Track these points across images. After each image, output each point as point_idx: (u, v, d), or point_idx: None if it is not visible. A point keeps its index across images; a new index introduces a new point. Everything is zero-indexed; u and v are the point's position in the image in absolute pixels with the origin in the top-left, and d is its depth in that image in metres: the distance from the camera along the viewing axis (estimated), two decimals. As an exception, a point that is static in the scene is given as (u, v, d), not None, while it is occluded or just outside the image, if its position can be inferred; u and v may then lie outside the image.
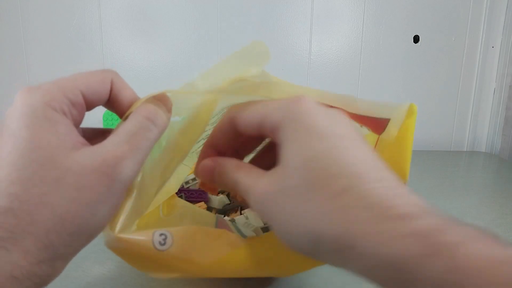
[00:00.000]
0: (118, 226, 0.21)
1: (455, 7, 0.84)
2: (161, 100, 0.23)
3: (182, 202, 0.36)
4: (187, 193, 0.42)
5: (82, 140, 0.20)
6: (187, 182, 0.43)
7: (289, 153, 0.20)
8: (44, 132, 0.19)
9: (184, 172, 0.41)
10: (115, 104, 0.23)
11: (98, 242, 0.34)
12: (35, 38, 0.83)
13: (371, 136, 0.28)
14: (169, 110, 0.23)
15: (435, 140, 0.90)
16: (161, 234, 0.22)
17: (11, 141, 0.18)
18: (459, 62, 0.86)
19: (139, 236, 0.22)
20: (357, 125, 0.26)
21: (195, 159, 0.47)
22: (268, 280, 0.31)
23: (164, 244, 0.22)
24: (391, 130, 0.26)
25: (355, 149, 0.20)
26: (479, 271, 0.14)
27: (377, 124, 0.27)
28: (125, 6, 0.83)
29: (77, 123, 0.21)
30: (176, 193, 0.39)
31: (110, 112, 0.62)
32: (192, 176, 0.44)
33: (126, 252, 0.22)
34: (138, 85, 0.24)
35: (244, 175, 0.22)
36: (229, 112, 0.25)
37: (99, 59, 0.84)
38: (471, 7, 0.84)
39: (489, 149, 0.89)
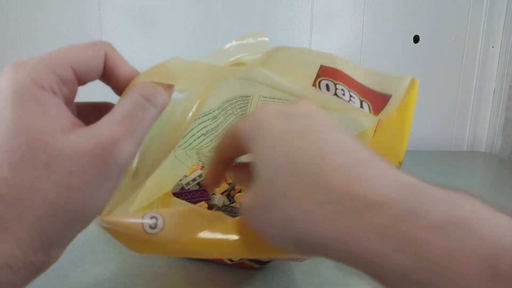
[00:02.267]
0: (106, 209, 0.20)
1: (455, 7, 0.84)
2: (161, 75, 0.22)
3: (178, 200, 0.36)
4: (188, 195, 0.41)
5: (74, 120, 0.19)
6: (187, 184, 0.43)
7: (257, 165, 0.21)
8: (33, 113, 0.17)
9: (182, 170, 0.41)
10: (111, 79, 0.21)
11: (98, 242, 0.34)
12: (35, 38, 0.83)
13: (368, 130, 0.28)
14: (169, 86, 0.22)
15: (435, 140, 0.90)
16: (151, 217, 0.21)
17: None
18: (459, 62, 0.86)
19: (128, 219, 0.21)
20: (327, 113, 0.24)
21: (195, 159, 0.47)
22: (269, 280, 0.31)
23: (155, 227, 0.21)
24: (389, 109, 0.25)
25: (313, 145, 0.19)
26: (441, 264, 0.13)
27: (378, 100, 0.26)
28: (125, 6, 0.83)
29: (69, 100, 0.20)
30: (177, 196, 0.38)
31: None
32: (192, 177, 0.43)
33: (117, 233, 0.22)
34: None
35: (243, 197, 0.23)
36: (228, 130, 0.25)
37: (99, 59, 0.84)
38: (471, 7, 0.84)
39: (489, 149, 0.89)
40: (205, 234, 0.22)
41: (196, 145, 0.39)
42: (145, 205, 0.31)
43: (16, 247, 0.16)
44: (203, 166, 0.47)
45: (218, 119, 0.38)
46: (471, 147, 0.91)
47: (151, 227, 0.21)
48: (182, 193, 0.41)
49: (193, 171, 0.45)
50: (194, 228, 0.22)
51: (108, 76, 0.21)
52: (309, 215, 0.18)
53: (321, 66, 0.28)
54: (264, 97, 0.37)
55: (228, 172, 0.27)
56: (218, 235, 0.23)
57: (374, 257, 0.15)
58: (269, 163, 0.20)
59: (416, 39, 0.85)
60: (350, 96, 0.28)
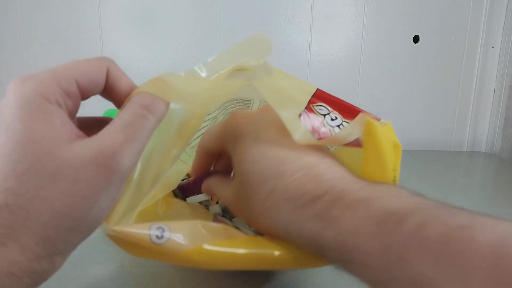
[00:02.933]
0: (113, 218, 0.21)
1: (455, 7, 0.84)
2: (159, 87, 0.22)
3: (179, 200, 0.36)
4: (181, 188, 0.41)
5: (78, 131, 0.20)
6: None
7: (234, 166, 0.25)
8: (39, 124, 0.18)
9: (184, 169, 0.41)
10: (112, 93, 0.22)
11: (98, 242, 0.34)
12: (35, 38, 0.83)
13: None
14: (168, 97, 0.22)
15: (435, 140, 0.90)
16: (158, 228, 0.22)
17: (5, 134, 0.18)
18: (459, 62, 0.86)
19: (135, 230, 0.22)
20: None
21: (193, 157, 0.47)
22: (268, 280, 0.31)
23: (161, 237, 0.22)
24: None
25: (278, 148, 0.24)
26: (353, 232, 0.19)
27: (357, 144, 0.27)
28: (125, 6, 0.83)
29: (72, 113, 0.21)
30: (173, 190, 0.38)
31: (111, 111, 0.62)
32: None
33: (123, 242, 0.22)
34: (139, 85, 0.24)
35: (221, 189, 0.29)
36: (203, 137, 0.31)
37: (99, 59, 0.84)
38: (471, 7, 0.84)
39: (489, 149, 0.89)
40: (210, 247, 0.23)
41: (196, 144, 0.39)
42: (150, 205, 0.32)
43: (21, 254, 0.17)
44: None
45: (218, 119, 0.38)
46: (471, 147, 0.91)
47: (157, 237, 0.22)
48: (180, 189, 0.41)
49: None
50: (200, 240, 0.23)
51: (110, 90, 0.22)
52: (276, 209, 0.22)
53: (317, 89, 0.29)
54: (265, 101, 0.37)
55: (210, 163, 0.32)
56: (224, 248, 0.23)
57: (313, 239, 0.20)
58: (243, 166, 0.24)
59: (416, 39, 0.85)
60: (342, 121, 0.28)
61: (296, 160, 0.23)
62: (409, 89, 0.87)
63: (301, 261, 0.24)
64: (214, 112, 0.37)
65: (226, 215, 0.40)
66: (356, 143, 0.26)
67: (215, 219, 0.32)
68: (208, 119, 0.37)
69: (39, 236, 0.17)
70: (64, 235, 0.18)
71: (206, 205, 0.41)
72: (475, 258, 0.14)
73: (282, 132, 0.24)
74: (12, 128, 0.18)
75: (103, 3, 0.82)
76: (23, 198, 0.17)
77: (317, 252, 0.21)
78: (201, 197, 0.40)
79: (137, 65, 0.86)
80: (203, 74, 0.26)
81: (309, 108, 0.29)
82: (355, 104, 0.33)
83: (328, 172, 0.22)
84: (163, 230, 0.22)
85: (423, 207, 0.18)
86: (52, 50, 0.83)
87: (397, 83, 0.87)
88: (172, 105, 0.23)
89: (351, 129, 0.25)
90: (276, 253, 0.23)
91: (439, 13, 0.84)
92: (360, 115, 0.25)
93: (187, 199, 0.40)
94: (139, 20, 0.84)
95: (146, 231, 0.21)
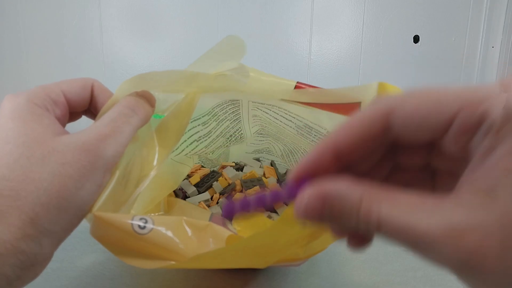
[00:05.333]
0: (97, 205, 0.21)
1: (455, 7, 0.84)
2: (143, 96, 0.25)
3: (179, 200, 0.36)
4: (227, 208, 0.40)
5: (65, 131, 0.22)
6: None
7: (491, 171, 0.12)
8: (29, 122, 0.20)
9: (184, 170, 0.41)
10: (96, 106, 0.25)
11: (98, 242, 0.34)
12: (35, 38, 0.83)
13: None
14: (152, 104, 0.25)
15: (435, 140, 0.90)
16: (141, 218, 0.22)
17: None
18: (459, 62, 0.86)
19: (118, 218, 0.22)
20: None
21: (195, 159, 0.47)
22: (269, 280, 0.31)
23: (144, 228, 0.22)
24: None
25: None
26: None
27: (350, 109, 0.27)
28: (125, 6, 0.83)
29: (61, 121, 0.23)
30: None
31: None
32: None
33: (105, 235, 0.22)
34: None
35: (407, 208, 0.12)
36: (379, 103, 0.15)
37: (99, 59, 0.84)
38: (471, 7, 0.84)
39: (489, 149, 0.89)
40: (194, 244, 0.23)
41: (190, 151, 0.39)
42: (150, 208, 0.32)
43: (7, 232, 0.17)
44: (202, 166, 0.47)
45: (210, 124, 0.38)
46: (471, 147, 0.91)
47: (140, 227, 0.22)
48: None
49: (194, 170, 0.45)
50: (184, 237, 0.23)
51: (95, 104, 0.25)
52: None
53: (296, 84, 0.29)
54: (253, 102, 0.37)
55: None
56: (208, 247, 0.23)
57: None
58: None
59: (416, 39, 0.85)
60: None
61: None
62: (409, 89, 0.87)
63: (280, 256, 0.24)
64: (203, 116, 0.37)
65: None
66: (355, 107, 0.26)
67: (212, 218, 0.32)
68: (198, 125, 0.37)
69: (26, 215, 0.18)
70: (52, 213, 0.19)
71: (206, 205, 0.41)
72: None
73: None
74: (5, 128, 0.20)
75: (103, 3, 0.82)
76: (13, 181, 0.18)
77: None
78: (202, 197, 0.40)
79: (137, 65, 0.86)
80: (181, 85, 0.27)
81: (298, 86, 0.29)
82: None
83: None
84: (146, 221, 0.22)
85: None
86: (52, 50, 0.83)
87: (397, 83, 0.87)
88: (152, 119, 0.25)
89: (361, 93, 0.25)
90: (248, 246, 0.23)
91: (439, 13, 0.84)
92: (375, 82, 0.24)
93: (187, 199, 0.40)
94: (139, 20, 0.84)
95: (129, 220, 0.22)
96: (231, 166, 0.47)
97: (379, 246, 0.37)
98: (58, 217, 0.19)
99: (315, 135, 0.39)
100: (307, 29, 0.85)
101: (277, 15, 0.84)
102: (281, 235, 0.22)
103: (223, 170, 0.46)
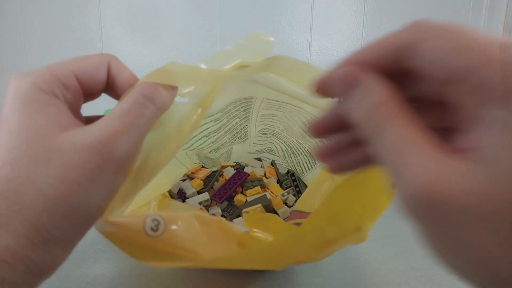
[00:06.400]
0: (108, 211, 0.20)
1: (455, 7, 0.84)
2: (162, 76, 0.22)
3: (175, 202, 0.36)
4: (216, 197, 0.40)
5: (75, 121, 0.19)
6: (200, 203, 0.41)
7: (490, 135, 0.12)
8: (33, 113, 0.18)
9: (181, 171, 0.41)
10: (114, 88, 0.22)
11: (98, 242, 0.34)
12: (35, 38, 0.83)
13: None
14: (172, 87, 0.22)
15: (435, 140, 0.90)
16: (153, 220, 0.21)
17: (3, 126, 0.18)
18: (459, 62, 0.86)
19: (130, 219, 0.21)
20: None
21: (195, 159, 0.47)
22: (269, 280, 0.31)
23: (156, 230, 0.21)
24: None
25: None
26: None
27: None
28: (125, 6, 0.83)
29: (73, 106, 0.20)
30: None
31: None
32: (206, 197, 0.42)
33: (116, 236, 0.21)
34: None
35: (409, 145, 0.12)
36: (412, 29, 0.15)
37: (99, 59, 0.84)
38: (471, 7, 0.84)
39: (489, 149, 0.89)
40: (205, 241, 0.22)
41: (198, 146, 0.39)
42: (141, 205, 0.31)
43: (13, 240, 0.16)
44: (203, 167, 0.47)
45: (221, 121, 0.38)
46: (471, 147, 0.91)
47: (152, 229, 0.21)
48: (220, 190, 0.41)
49: (195, 171, 0.45)
50: (195, 234, 0.22)
51: (112, 84, 0.22)
52: None
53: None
54: (267, 99, 0.37)
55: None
56: (220, 244, 0.23)
57: None
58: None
59: (416, 39, 0.85)
60: None
61: None
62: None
63: (290, 260, 0.24)
64: (217, 113, 0.37)
65: (226, 215, 0.39)
66: None
67: None
68: (211, 121, 0.37)
69: (30, 222, 0.17)
70: (58, 221, 0.17)
71: (205, 205, 0.41)
72: None
73: None
74: (9, 119, 0.18)
75: (103, 3, 0.82)
76: (16, 183, 0.17)
77: None
78: (201, 197, 0.40)
79: (137, 65, 0.86)
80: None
81: None
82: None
83: None
84: (158, 223, 0.21)
85: None
86: (52, 50, 0.83)
87: (397, 83, 0.87)
88: (177, 99, 0.23)
89: None
90: (267, 251, 0.23)
91: (439, 13, 0.84)
92: None
93: (186, 200, 0.40)
94: (139, 20, 0.84)
95: (141, 223, 0.21)
96: (231, 166, 0.47)
97: (379, 246, 0.37)
98: (65, 224, 0.18)
99: (300, 157, 0.40)
100: (307, 29, 0.85)
101: (277, 15, 0.84)
102: (302, 240, 0.22)
103: (224, 170, 0.46)
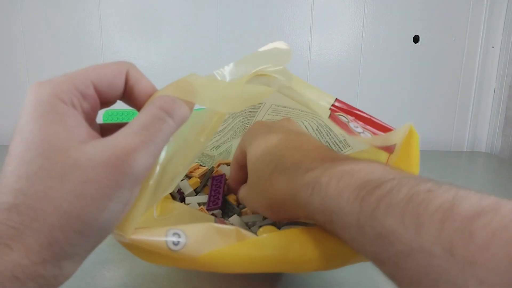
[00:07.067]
0: (130, 225, 0.20)
1: (455, 7, 0.84)
2: (182, 89, 0.21)
3: (178, 204, 0.36)
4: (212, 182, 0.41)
5: (92, 133, 0.19)
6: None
7: (248, 163, 0.29)
8: (51, 124, 0.18)
9: (180, 173, 0.41)
10: (132, 97, 0.22)
11: (98, 242, 0.33)
12: (35, 38, 0.83)
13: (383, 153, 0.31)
14: (191, 98, 0.22)
15: (435, 140, 0.90)
16: (174, 233, 0.22)
17: (20, 135, 0.18)
18: (459, 62, 0.86)
19: (152, 237, 0.21)
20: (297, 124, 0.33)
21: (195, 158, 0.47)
22: (269, 280, 0.31)
23: (177, 244, 0.21)
24: (395, 152, 0.30)
25: (279, 140, 0.28)
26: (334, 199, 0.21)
27: (389, 149, 0.31)
28: (125, 6, 0.83)
29: (90, 116, 0.20)
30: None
31: (110, 112, 0.61)
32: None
33: (135, 246, 0.22)
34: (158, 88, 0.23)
35: (241, 190, 0.32)
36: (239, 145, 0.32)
37: (99, 59, 0.84)
38: (471, 7, 0.84)
39: (489, 149, 0.89)
40: (225, 250, 0.23)
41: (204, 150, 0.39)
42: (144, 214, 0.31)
43: (26, 257, 0.16)
44: (200, 165, 0.47)
45: (227, 121, 0.39)
46: (471, 147, 0.91)
47: (174, 244, 0.21)
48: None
49: (193, 170, 0.45)
50: (214, 244, 0.23)
51: (130, 94, 0.22)
52: (274, 184, 0.25)
53: (336, 99, 0.32)
54: (276, 105, 0.37)
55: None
56: (238, 250, 0.23)
57: (304, 203, 0.23)
58: (253, 158, 0.28)
59: (416, 39, 0.85)
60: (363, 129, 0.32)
61: (294, 149, 0.27)
62: (409, 89, 0.87)
63: (315, 263, 0.24)
64: (237, 118, 0.38)
65: (225, 216, 0.40)
66: (391, 149, 0.29)
67: (217, 221, 0.32)
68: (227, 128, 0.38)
69: (45, 238, 0.16)
70: (72, 237, 0.17)
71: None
72: (426, 214, 0.16)
73: (283, 128, 0.29)
74: (26, 130, 0.18)
75: (103, 3, 0.82)
76: (32, 198, 0.17)
77: (308, 217, 0.24)
78: (200, 198, 0.40)
79: (137, 65, 0.85)
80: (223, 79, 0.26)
81: (332, 116, 0.30)
82: (355, 105, 0.33)
83: (322, 153, 0.26)
84: (179, 236, 0.22)
85: (400, 177, 0.19)
86: (52, 50, 0.83)
87: (397, 83, 0.87)
88: (196, 106, 0.23)
89: (397, 135, 0.28)
90: (290, 255, 0.23)
91: (439, 13, 0.84)
92: (406, 124, 0.28)
93: (186, 200, 0.40)
94: (139, 20, 0.84)
95: (163, 238, 0.21)
96: (226, 164, 0.47)
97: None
98: (78, 240, 0.17)
99: (332, 137, 0.40)
100: (307, 29, 0.85)
101: (277, 15, 0.84)
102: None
103: (219, 168, 0.46)
